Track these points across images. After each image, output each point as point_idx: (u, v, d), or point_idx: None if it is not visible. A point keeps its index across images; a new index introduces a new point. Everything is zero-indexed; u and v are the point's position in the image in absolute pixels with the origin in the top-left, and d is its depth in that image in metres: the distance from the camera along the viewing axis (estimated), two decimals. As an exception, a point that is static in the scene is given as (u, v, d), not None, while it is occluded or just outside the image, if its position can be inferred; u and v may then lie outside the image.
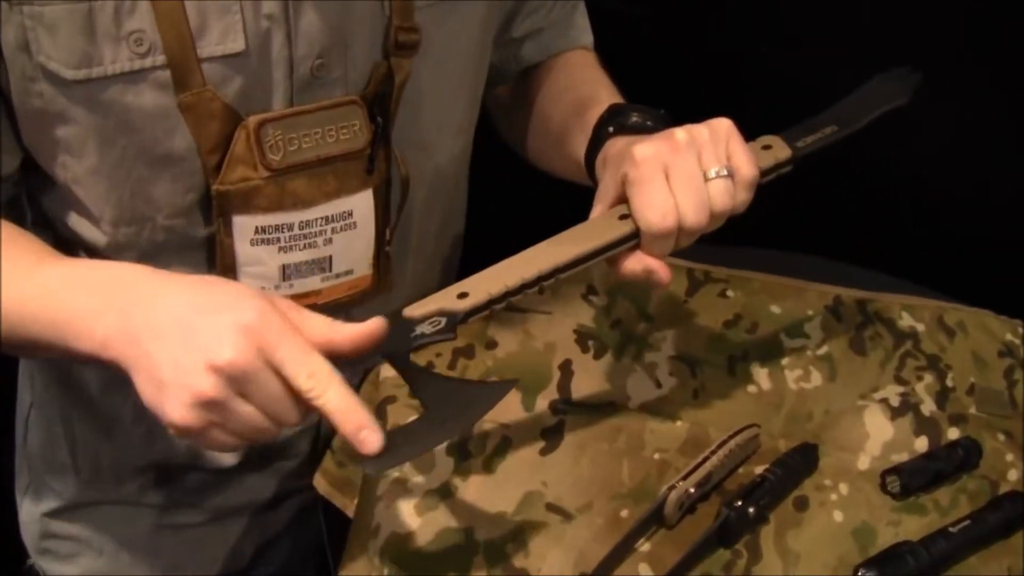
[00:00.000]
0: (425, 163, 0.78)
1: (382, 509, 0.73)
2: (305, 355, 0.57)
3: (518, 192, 1.02)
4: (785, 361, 0.84)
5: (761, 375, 0.83)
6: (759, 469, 0.75)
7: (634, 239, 0.68)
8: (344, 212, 0.72)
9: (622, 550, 0.70)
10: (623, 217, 0.68)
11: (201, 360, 0.56)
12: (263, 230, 0.70)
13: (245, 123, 0.67)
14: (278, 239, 0.71)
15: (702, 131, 0.67)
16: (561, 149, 0.80)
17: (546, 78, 0.85)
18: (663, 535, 0.71)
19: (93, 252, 0.71)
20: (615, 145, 0.73)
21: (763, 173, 0.70)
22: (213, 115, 0.66)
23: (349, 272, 0.75)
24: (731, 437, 0.75)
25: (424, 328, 0.63)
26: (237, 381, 0.56)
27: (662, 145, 0.67)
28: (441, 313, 0.64)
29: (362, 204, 0.73)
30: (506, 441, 0.77)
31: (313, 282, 0.74)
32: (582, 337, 0.85)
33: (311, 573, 0.97)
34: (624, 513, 0.73)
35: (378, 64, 0.71)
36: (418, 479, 0.75)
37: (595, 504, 0.73)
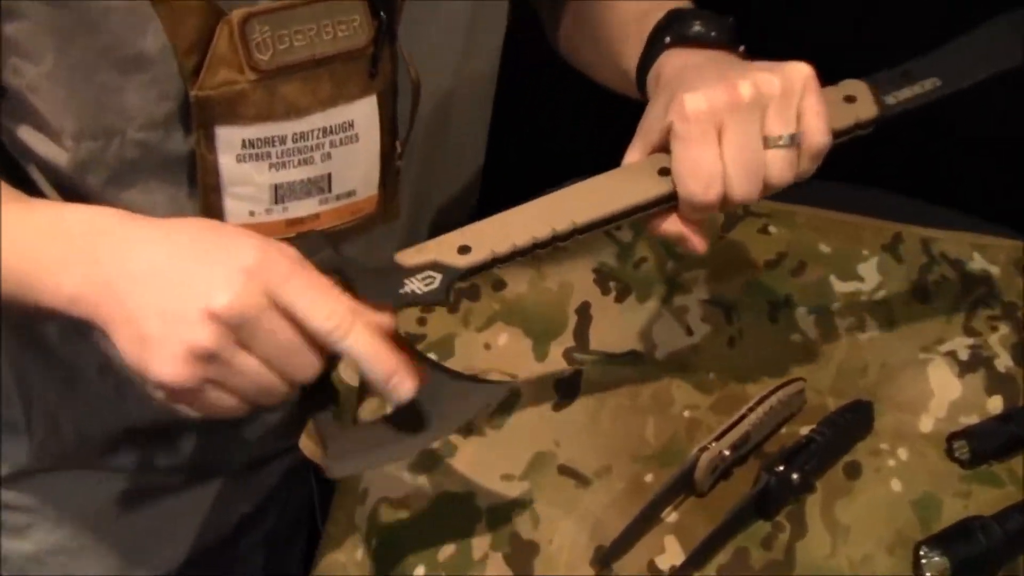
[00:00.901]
0: (438, 72, 0.76)
1: (370, 472, 0.73)
2: (321, 292, 0.56)
3: (544, 125, 0.99)
4: (836, 307, 0.83)
5: (807, 323, 0.82)
6: (804, 430, 0.74)
7: (671, 201, 0.65)
8: (344, 123, 0.71)
9: (645, 520, 0.69)
10: (663, 172, 0.65)
11: (194, 307, 0.55)
12: (251, 144, 0.69)
13: (228, 18, 0.65)
14: (268, 154, 0.69)
15: (772, 82, 0.64)
16: (614, 60, 0.77)
17: None
18: (693, 504, 0.71)
19: (53, 173, 0.70)
20: (671, 61, 0.70)
21: (836, 135, 0.67)
22: (190, 9, 0.65)
23: (351, 194, 0.74)
24: (772, 392, 0.74)
25: (414, 285, 0.61)
26: (239, 329, 0.55)
27: (719, 97, 0.64)
28: (435, 267, 0.61)
29: (364, 113, 0.71)
30: (514, 394, 0.77)
31: (310, 204, 0.72)
32: (602, 277, 0.85)
33: (302, 542, 0.96)
34: (648, 478, 0.72)
35: None
36: None
37: (615, 467, 0.73)
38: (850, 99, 0.68)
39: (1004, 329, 0.82)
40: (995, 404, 0.77)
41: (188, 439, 0.84)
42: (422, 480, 0.72)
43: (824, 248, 0.87)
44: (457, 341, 0.80)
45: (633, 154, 0.68)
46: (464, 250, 0.62)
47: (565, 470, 0.72)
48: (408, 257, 0.62)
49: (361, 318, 0.57)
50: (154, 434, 0.83)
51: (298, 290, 0.56)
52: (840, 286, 0.84)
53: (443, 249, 0.62)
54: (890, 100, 0.68)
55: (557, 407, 0.76)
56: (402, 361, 0.58)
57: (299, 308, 0.56)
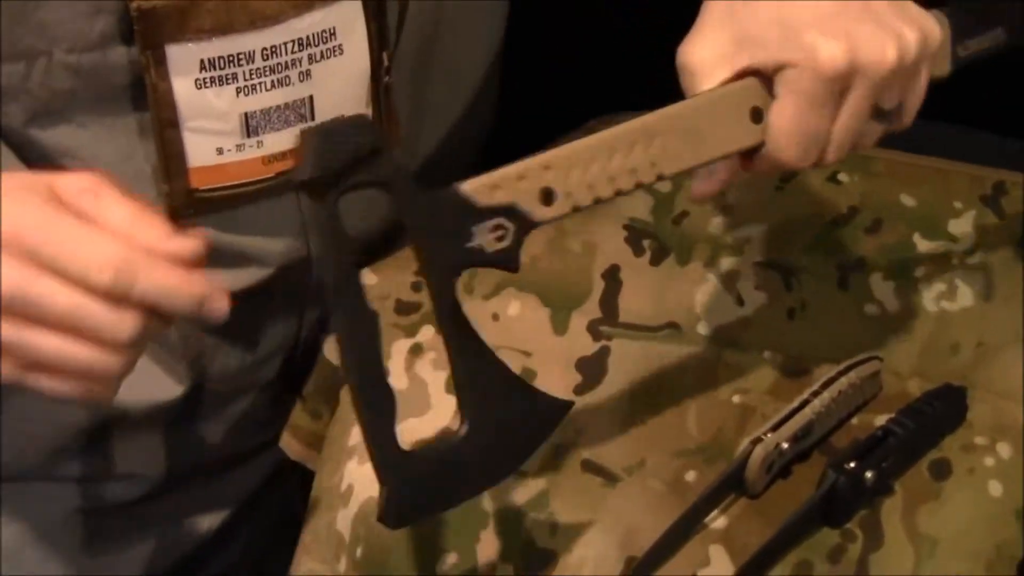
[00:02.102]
0: None
1: (355, 466, 0.73)
2: (88, 241, 0.57)
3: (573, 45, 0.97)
4: (920, 272, 0.82)
5: (885, 291, 0.82)
6: (881, 420, 0.73)
7: (753, 152, 0.64)
8: (324, 32, 0.70)
9: (686, 526, 0.69)
10: (756, 116, 0.63)
11: None
12: (211, 64, 0.68)
13: None
14: (234, 76, 0.69)
15: (911, 48, 0.64)
16: None
17: None
18: (744, 507, 0.71)
19: None
20: None
21: None
22: None
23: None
24: (841, 374, 0.73)
25: (484, 238, 0.56)
26: (14, 310, 0.56)
27: (864, 56, 0.62)
28: (511, 214, 0.57)
29: (348, 18, 0.71)
30: (528, 374, 0.76)
31: (289, 137, 0.72)
32: (635, 235, 0.84)
33: (286, 558, 0.95)
34: (690, 476, 0.72)
35: None
36: (407, 424, 0.72)
37: (649, 462, 0.73)
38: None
39: None
40: (1118, 391, 0.76)
41: (146, 438, 0.83)
42: (415, 476, 0.71)
43: (907, 200, 0.86)
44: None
45: (717, 69, 0.64)
46: (547, 196, 0.58)
47: (589, 466, 0.72)
48: (479, 191, 0.57)
49: (142, 254, 0.57)
50: (104, 435, 0.82)
51: (57, 244, 0.56)
52: (926, 246, 0.84)
53: (522, 190, 0.58)
54: (961, 52, 0.69)
55: (579, 390, 0.76)
56: (206, 281, 0.58)
57: (69, 267, 0.56)
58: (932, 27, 0.66)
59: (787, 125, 0.63)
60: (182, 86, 0.68)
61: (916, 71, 0.65)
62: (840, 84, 0.63)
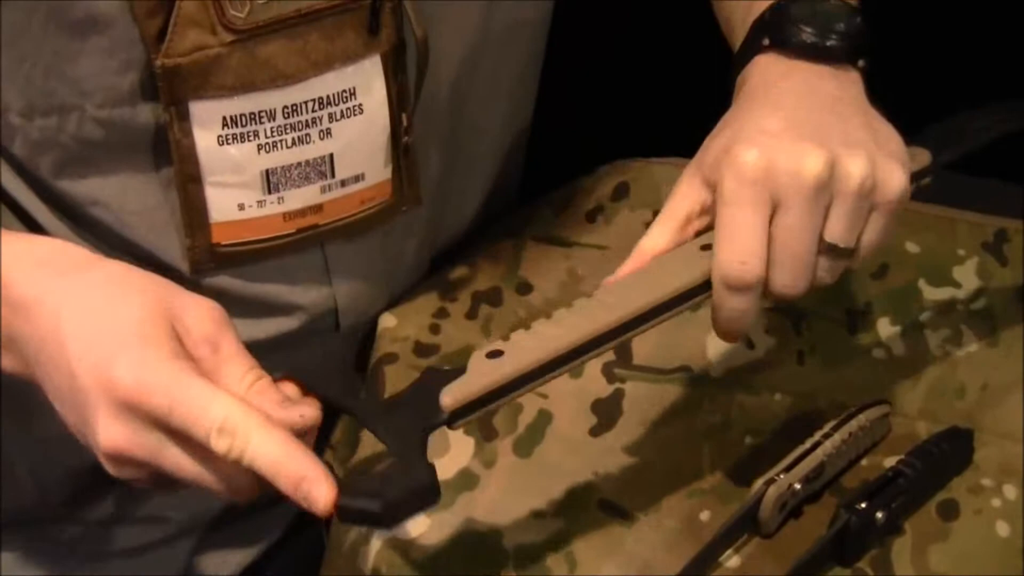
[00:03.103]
0: (450, 25, 0.76)
1: None
2: (205, 405, 0.56)
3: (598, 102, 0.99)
4: (926, 317, 0.83)
5: (893, 335, 0.82)
6: (890, 461, 0.74)
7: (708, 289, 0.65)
8: (344, 91, 0.71)
9: (701, 565, 0.69)
10: (705, 248, 0.64)
11: (90, 436, 0.58)
12: (234, 121, 0.69)
13: None
14: (256, 133, 0.70)
15: (854, 174, 0.62)
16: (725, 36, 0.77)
17: None
18: (757, 546, 0.71)
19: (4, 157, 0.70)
20: (763, 69, 0.68)
21: None
22: None
23: (359, 178, 0.74)
24: (851, 416, 0.74)
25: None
26: (135, 463, 0.58)
27: (784, 162, 0.61)
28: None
29: (368, 78, 0.71)
30: (545, 417, 0.77)
31: (310, 193, 0.73)
32: None
33: None
34: (704, 515, 0.72)
35: None
36: None
37: (665, 502, 0.73)
38: (918, 177, 0.67)
39: None
40: (1120, 432, 0.76)
41: None
42: (439, 516, 0.71)
43: (912, 247, 0.87)
44: (475, 354, 0.79)
45: (674, 199, 0.66)
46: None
47: (606, 505, 0.72)
48: (455, 392, 0.61)
49: (253, 422, 0.56)
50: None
51: (186, 411, 0.56)
52: (931, 292, 0.84)
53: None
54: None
55: (596, 431, 0.76)
56: (312, 463, 0.56)
57: (190, 432, 0.56)
58: (894, 177, 0.63)
59: (720, 231, 0.62)
60: (204, 142, 0.69)
61: (860, 209, 0.62)
62: (763, 189, 0.62)
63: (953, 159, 0.69)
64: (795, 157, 0.62)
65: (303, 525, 0.90)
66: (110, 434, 0.56)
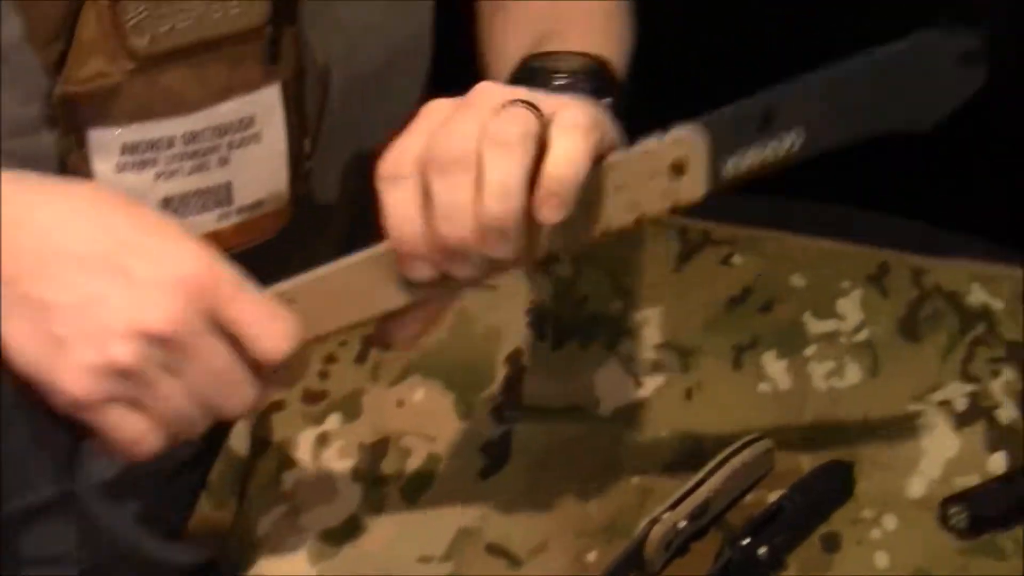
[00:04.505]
0: (348, 52, 0.77)
1: (266, 556, 0.73)
2: (271, 311, 0.57)
3: None
4: (810, 351, 0.84)
5: (777, 369, 0.83)
6: (774, 496, 0.74)
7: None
8: (244, 119, 0.72)
9: None
10: None
11: (122, 316, 0.54)
12: (132, 148, 0.70)
13: None
14: (154, 161, 0.70)
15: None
16: None
17: None
18: None
19: None
20: None
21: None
22: None
23: (257, 205, 0.75)
24: (735, 452, 0.75)
25: None
26: (171, 350, 0.55)
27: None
28: None
29: (267, 106, 0.72)
30: (434, 460, 0.77)
31: (207, 220, 0.73)
32: (538, 319, 0.85)
33: None
34: (591, 556, 0.73)
35: None
36: (314, 513, 0.75)
37: (552, 544, 0.73)
38: (678, 168, 0.58)
39: (1008, 374, 0.82)
40: (997, 463, 0.78)
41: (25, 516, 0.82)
42: (324, 566, 0.72)
43: (797, 281, 0.88)
44: (365, 399, 0.80)
45: None
46: None
47: (494, 549, 0.73)
48: None
49: None
50: (27, 519, 0.82)
51: (247, 309, 0.56)
52: (816, 325, 0.85)
53: None
54: (728, 171, 0.58)
55: (484, 474, 0.77)
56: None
57: (247, 329, 0.56)
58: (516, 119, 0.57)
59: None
60: (103, 169, 0.70)
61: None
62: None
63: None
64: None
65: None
66: (169, 303, 0.54)
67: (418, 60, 0.85)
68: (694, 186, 0.58)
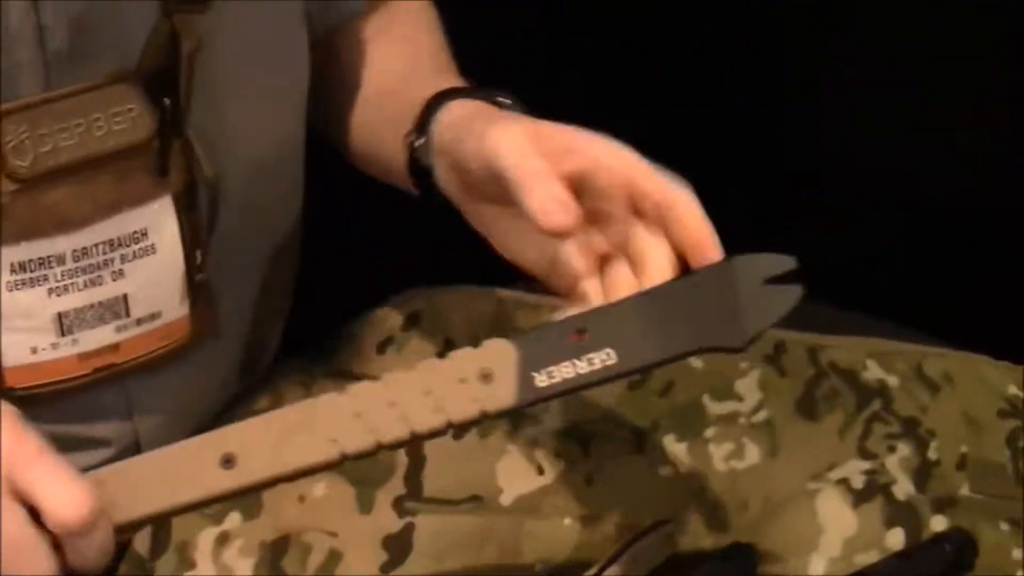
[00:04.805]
0: (238, 157, 0.77)
1: None
2: (67, 479, 0.55)
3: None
4: (710, 432, 0.84)
5: (678, 452, 0.83)
6: None
7: None
8: (136, 232, 0.72)
9: None
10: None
11: None
12: (22, 267, 0.69)
13: None
14: (46, 277, 0.70)
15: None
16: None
17: (370, 43, 0.84)
18: None
19: None
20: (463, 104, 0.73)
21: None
22: None
23: (155, 316, 0.75)
24: (637, 538, 0.75)
25: None
26: None
27: None
28: None
29: (159, 219, 0.72)
30: (335, 557, 0.77)
31: (105, 334, 0.73)
32: None
33: None
34: None
35: (158, 25, 0.69)
36: None
37: None
38: (486, 376, 0.60)
39: (903, 449, 0.83)
40: (895, 539, 0.78)
41: None
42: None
43: (696, 363, 0.88)
44: (265, 495, 0.79)
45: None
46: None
47: None
48: None
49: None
50: None
51: (42, 477, 0.55)
52: (715, 407, 0.86)
53: None
54: (541, 382, 0.61)
55: (386, 568, 0.76)
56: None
57: (40, 497, 0.55)
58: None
59: None
60: None
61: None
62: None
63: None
64: None
65: None
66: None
67: (299, 149, 0.85)
68: (504, 395, 0.61)
